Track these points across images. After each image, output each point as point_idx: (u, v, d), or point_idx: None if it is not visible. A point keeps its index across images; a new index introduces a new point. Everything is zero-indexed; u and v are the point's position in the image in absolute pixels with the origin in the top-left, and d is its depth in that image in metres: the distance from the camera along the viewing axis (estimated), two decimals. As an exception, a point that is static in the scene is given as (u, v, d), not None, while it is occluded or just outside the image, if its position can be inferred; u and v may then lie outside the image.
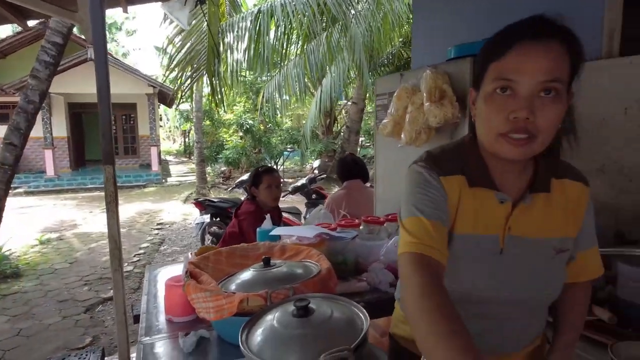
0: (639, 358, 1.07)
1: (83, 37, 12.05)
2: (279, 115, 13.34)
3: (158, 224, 7.90)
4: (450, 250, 0.83)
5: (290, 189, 7.09)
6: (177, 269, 1.71)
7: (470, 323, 0.82)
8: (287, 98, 9.57)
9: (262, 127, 14.58)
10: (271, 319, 0.90)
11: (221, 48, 6.10)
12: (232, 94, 12.55)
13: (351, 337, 0.81)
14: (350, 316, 0.90)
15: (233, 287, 1.16)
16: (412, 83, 1.97)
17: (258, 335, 0.87)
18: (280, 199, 2.72)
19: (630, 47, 1.71)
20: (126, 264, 5.33)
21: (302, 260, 1.36)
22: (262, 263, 1.22)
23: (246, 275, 1.20)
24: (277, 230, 1.76)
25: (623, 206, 1.64)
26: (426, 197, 0.82)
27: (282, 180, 3.02)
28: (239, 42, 6.64)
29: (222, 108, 7.76)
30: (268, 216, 1.96)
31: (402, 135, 1.97)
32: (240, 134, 14.34)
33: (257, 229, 1.88)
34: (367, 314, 0.89)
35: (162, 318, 1.37)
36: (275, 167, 12.67)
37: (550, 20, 0.75)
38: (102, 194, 1.99)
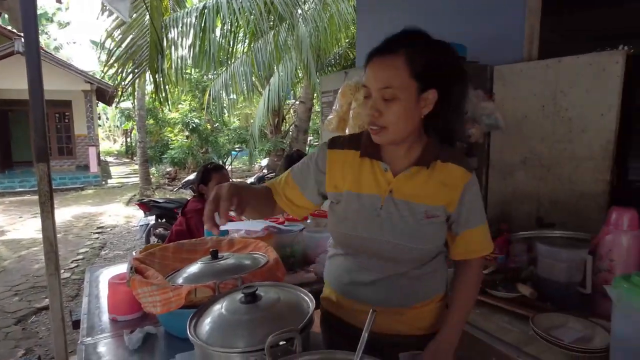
0: (555, 327, 1.21)
1: (10, 27, 11.08)
2: (226, 114, 13.09)
3: (98, 228, 7.45)
4: (341, 203, 1.08)
5: (239, 189, 6.98)
6: (120, 269, 1.66)
7: (363, 273, 1.08)
8: (235, 97, 9.41)
9: (209, 127, 14.20)
10: (219, 307, 0.91)
11: (165, 44, 5.90)
12: (177, 92, 12.16)
13: (298, 319, 0.85)
14: (297, 300, 0.94)
15: (180, 280, 1.15)
16: (355, 80, 2.05)
17: (207, 324, 0.88)
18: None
19: (548, 50, 1.90)
20: (63, 270, 4.99)
21: (250, 252, 1.38)
22: (209, 256, 1.23)
23: (194, 268, 1.20)
24: (226, 225, 1.76)
25: (542, 194, 1.82)
26: (304, 164, 1.14)
27: (230, 179, 3.00)
28: (184, 38, 6.46)
29: (167, 106, 7.49)
30: (216, 213, 1.95)
31: (347, 131, 2.04)
32: (186, 133, 13.87)
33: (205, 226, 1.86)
34: (312, 298, 0.94)
35: (105, 318, 1.33)
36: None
37: (393, 39, 0.96)
38: (33, 197, 1.87)
